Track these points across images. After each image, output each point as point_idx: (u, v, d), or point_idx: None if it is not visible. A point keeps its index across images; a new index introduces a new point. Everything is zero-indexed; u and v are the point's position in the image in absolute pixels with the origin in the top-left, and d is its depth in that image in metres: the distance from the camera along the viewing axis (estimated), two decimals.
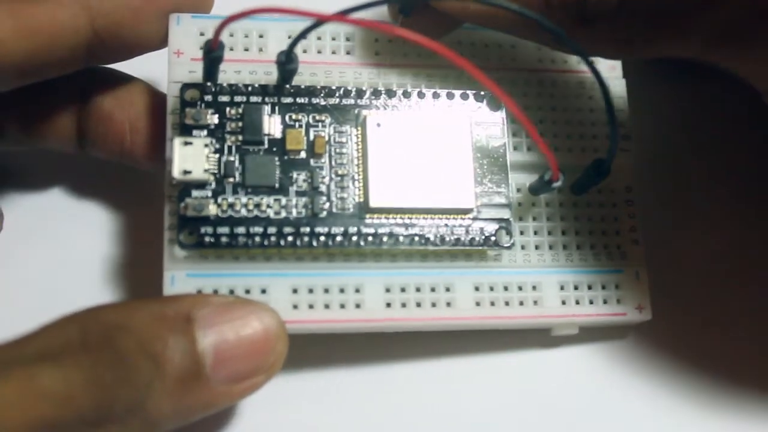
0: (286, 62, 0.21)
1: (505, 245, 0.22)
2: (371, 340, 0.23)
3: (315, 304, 0.21)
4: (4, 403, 0.17)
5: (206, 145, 0.21)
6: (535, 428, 0.23)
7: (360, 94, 0.22)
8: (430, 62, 0.24)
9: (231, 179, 0.21)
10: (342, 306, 0.22)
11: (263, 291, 0.21)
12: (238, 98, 0.22)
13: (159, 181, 0.21)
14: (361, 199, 0.22)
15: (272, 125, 0.22)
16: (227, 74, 0.22)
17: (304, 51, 0.23)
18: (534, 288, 0.23)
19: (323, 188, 0.22)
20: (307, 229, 0.21)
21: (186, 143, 0.21)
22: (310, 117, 0.22)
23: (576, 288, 0.23)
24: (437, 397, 0.23)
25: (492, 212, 0.22)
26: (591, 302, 0.23)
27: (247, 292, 0.21)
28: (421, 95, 0.23)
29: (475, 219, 0.22)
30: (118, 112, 0.23)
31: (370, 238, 0.21)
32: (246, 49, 0.23)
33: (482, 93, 0.23)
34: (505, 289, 0.23)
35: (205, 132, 0.21)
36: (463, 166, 0.22)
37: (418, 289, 0.22)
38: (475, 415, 0.23)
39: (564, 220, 0.23)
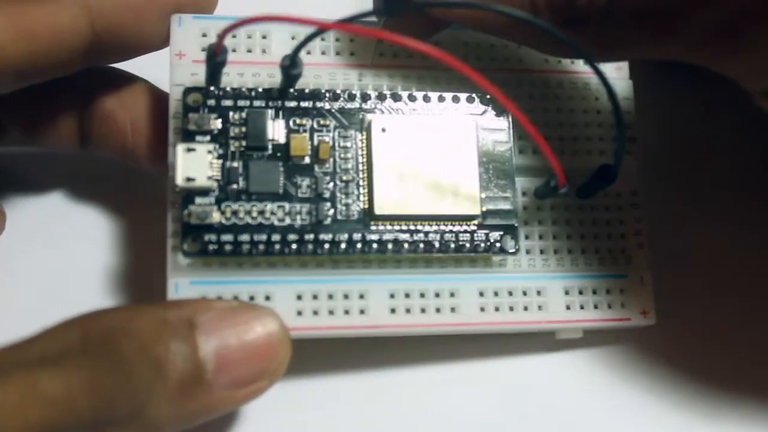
0: (291, 67, 0.21)
1: (511, 251, 0.22)
2: (375, 345, 0.23)
3: (319, 310, 0.21)
4: (4, 406, 0.17)
5: (209, 152, 0.21)
6: None
7: (365, 97, 0.22)
8: (434, 64, 0.23)
9: (234, 186, 0.21)
10: (346, 312, 0.21)
11: (267, 297, 0.21)
12: (241, 102, 0.21)
13: (163, 185, 0.21)
14: (366, 206, 0.21)
15: (276, 130, 0.21)
16: (230, 77, 0.22)
17: (308, 52, 0.23)
18: (539, 293, 0.23)
19: (327, 195, 0.21)
20: (311, 237, 0.21)
21: (189, 150, 0.21)
22: (315, 121, 0.22)
23: (581, 293, 0.23)
24: (441, 402, 0.23)
25: (497, 218, 0.22)
26: (596, 307, 0.23)
27: (251, 298, 0.21)
28: (426, 99, 0.22)
29: (480, 225, 0.22)
30: (121, 113, 0.23)
31: (374, 246, 0.21)
32: (249, 51, 0.23)
33: (488, 96, 0.23)
34: (510, 294, 0.22)
35: (208, 137, 0.21)
36: (468, 171, 0.22)
37: (422, 295, 0.22)
38: (479, 419, 0.23)
39: (569, 224, 0.23)
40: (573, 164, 0.24)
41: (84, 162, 0.24)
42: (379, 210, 0.21)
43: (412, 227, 0.22)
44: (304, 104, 0.22)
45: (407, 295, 0.22)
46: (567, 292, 0.23)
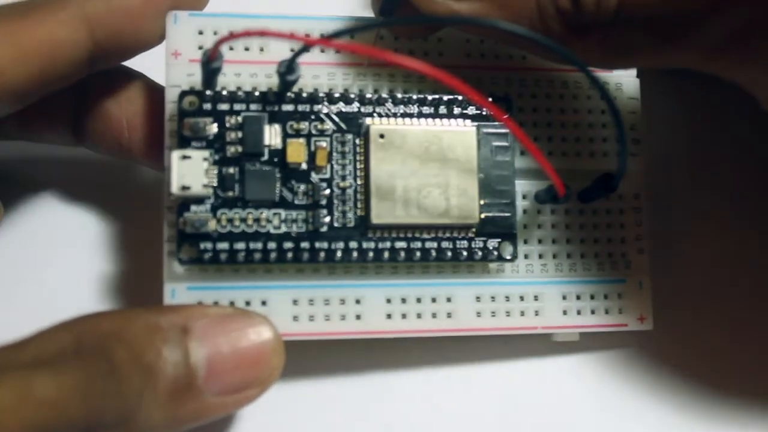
0: (287, 73, 0.21)
1: (508, 258, 0.22)
2: (371, 347, 0.23)
3: (315, 315, 0.21)
4: (2, 406, 0.17)
5: (205, 159, 0.21)
6: None
7: (363, 100, 0.22)
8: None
9: (230, 193, 0.21)
10: (342, 317, 0.22)
11: (264, 303, 0.21)
12: (237, 106, 0.21)
13: (160, 189, 0.21)
14: (363, 214, 0.21)
15: (273, 135, 0.21)
16: (227, 77, 0.22)
17: (307, 51, 0.22)
18: (536, 298, 0.23)
19: (324, 202, 0.21)
20: (308, 245, 0.21)
21: (184, 157, 0.20)
22: (312, 126, 0.21)
23: (578, 298, 0.23)
24: (437, 405, 0.24)
25: (496, 226, 0.22)
26: (593, 312, 0.23)
27: (248, 304, 0.21)
28: (425, 102, 0.22)
29: (479, 233, 0.22)
30: (116, 110, 0.23)
31: (371, 254, 0.21)
32: (246, 49, 0.22)
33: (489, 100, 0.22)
34: (507, 299, 0.22)
35: (204, 143, 0.21)
36: (468, 177, 0.22)
37: (418, 300, 0.22)
38: (475, 422, 0.23)
39: (569, 228, 0.23)
40: (575, 167, 0.23)
41: (81, 167, 0.23)
42: (376, 219, 0.21)
43: (409, 235, 0.21)
44: (302, 108, 0.21)
45: (403, 301, 0.22)
46: (564, 297, 0.23)
